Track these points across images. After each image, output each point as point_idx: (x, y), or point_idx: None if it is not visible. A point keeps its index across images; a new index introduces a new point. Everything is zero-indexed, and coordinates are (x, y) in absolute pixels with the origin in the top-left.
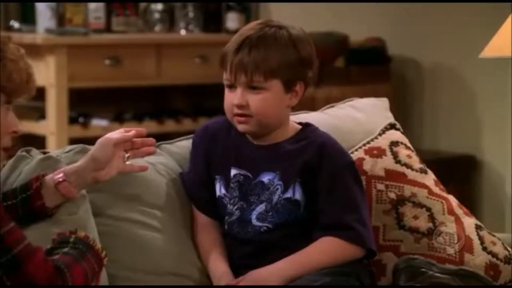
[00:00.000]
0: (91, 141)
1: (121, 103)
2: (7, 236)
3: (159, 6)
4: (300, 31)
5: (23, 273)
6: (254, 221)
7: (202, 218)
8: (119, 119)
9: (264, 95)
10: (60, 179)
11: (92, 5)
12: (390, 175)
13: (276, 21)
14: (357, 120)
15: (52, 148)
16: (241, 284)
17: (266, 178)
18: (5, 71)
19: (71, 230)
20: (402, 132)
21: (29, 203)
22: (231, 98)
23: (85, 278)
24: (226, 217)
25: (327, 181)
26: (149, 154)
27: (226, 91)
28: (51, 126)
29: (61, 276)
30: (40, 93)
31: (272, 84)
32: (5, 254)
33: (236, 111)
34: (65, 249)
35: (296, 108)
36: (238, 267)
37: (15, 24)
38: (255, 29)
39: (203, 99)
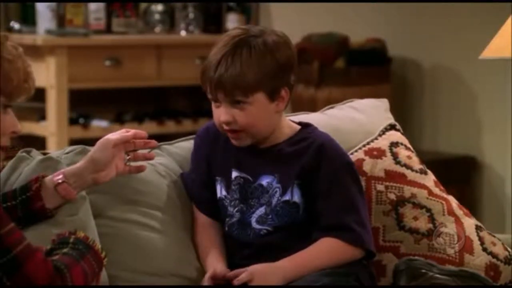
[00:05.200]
0: (92, 142)
1: (122, 104)
2: (6, 236)
3: (159, 7)
4: (279, 35)
5: (22, 273)
6: (254, 224)
7: (202, 218)
8: (119, 120)
9: (249, 109)
10: (60, 181)
11: (92, 6)
12: (390, 176)
13: (253, 28)
14: (357, 121)
15: (53, 149)
16: (243, 275)
17: (265, 181)
18: (2, 72)
19: (70, 231)
20: (402, 133)
21: (28, 205)
22: (218, 114)
23: (85, 278)
24: (227, 219)
25: (326, 182)
26: (149, 159)
27: (213, 105)
28: (52, 127)
29: (60, 277)
30: (41, 94)
31: (255, 98)
32: (5, 254)
33: (225, 127)
34: (65, 250)
35: (297, 109)
36: (239, 268)
37: (16, 25)
38: (230, 43)
39: (203, 100)
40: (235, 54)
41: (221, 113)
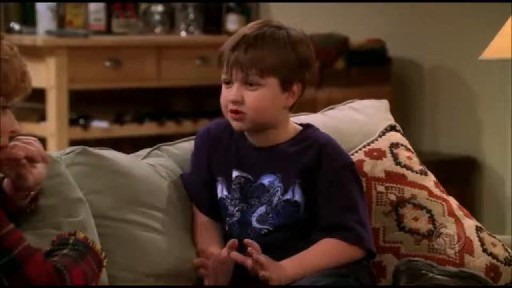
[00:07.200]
0: (92, 142)
1: (122, 104)
2: (6, 237)
3: (159, 8)
4: (299, 32)
5: (22, 274)
6: (254, 224)
7: (202, 218)
8: (119, 120)
9: (260, 91)
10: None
11: (92, 7)
12: (390, 176)
13: (276, 22)
14: (357, 121)
15: (53, 149)
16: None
17: (266, 180)
18: (0, 73)
19: (70, 232)
20: (402, 134)
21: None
22: (227, 94)
23: (85, 279)
24: (227, 219)
25: (326, 181)
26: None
27: (223, 87)
28: (52, 127)
29: (60, 277)
30: (41, 94)
31: (269, 81)
32: (5, 255)
33: (231, 106)
34: (65, 251)
35: (297, 110)
36: (239, 268)
37: (16, 26)
38: (253, 28)
39: (204, 100)
40: (256, 37)
41: (231, 92)
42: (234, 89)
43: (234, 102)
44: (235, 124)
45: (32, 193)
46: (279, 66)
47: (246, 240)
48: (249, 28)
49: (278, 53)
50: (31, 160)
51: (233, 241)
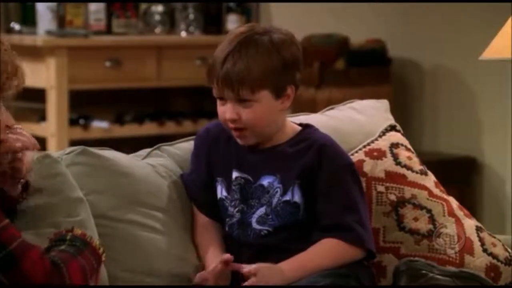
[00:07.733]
0: (92, 143)
1: (122, 104)
2: (1, 232)
3: (159, 8)
4: (285, 33)
5: (19, 269)
6: (254, 225)
7: (202, 219)
8: (119, 121)
9: (255, 107)
10: None
11: (92, 7)
12: (390, 176)
13: (259, 26)
14: (357, 121)
15: (53, 149)
16: (251, 268)
17: (266, 181)
18: None
19: (67, 228)
20: (402, 134)
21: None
22: (223, 111)
23: (83, 274)
24: (227, 219)
25: (326, 182)
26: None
27: (218, 103)
28: (52, 128)
29: (58, 272)
30: (41, 95)
31: (261, 95)
32: (1, 250)
33: (230, 125)
34: (62, 247)
35: (297, 110)
36: (238, 273)
37: (16, 26)
38: (236, 40)
39: (204, 100)
40: (241, 51)
41: (226, 110)
42: (229, 108)
43: (232, 120)
44: (240, 141)
45: (22, 180)
46: (267, 77)
47: (242, 271)
48: (232, 40)
49: (264, 63)
50: (26, 150)
51: (227, 257)
